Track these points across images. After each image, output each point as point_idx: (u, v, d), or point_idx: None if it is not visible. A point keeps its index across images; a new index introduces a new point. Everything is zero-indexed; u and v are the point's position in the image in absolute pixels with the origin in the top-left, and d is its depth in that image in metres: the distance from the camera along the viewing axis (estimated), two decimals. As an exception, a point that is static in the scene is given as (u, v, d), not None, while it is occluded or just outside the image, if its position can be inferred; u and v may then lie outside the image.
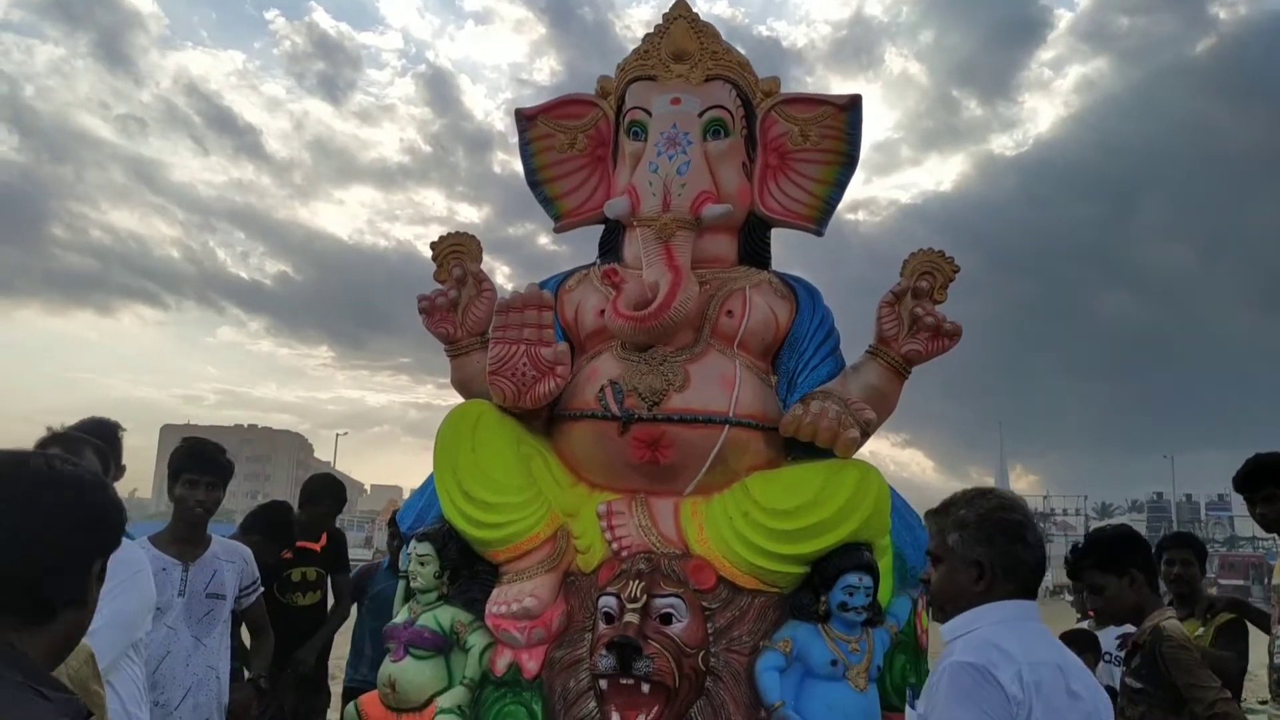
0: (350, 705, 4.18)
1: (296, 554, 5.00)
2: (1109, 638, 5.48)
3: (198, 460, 3.66)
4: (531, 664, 3.94)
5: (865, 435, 3.99)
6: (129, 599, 2.87)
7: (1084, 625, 5.93)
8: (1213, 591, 5.93)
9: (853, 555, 3.82)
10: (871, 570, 3.84)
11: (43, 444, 3.08)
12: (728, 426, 4.03)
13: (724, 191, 4.46)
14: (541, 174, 4.96)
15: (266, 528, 5.00)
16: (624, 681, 3.65)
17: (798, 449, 4.21)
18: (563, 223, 4.94)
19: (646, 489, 4.14)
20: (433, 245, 4.64)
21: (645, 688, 3.63)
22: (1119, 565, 3.62)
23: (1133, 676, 3.55)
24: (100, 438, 3.33)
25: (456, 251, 4.60)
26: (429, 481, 4.40)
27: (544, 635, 3.95)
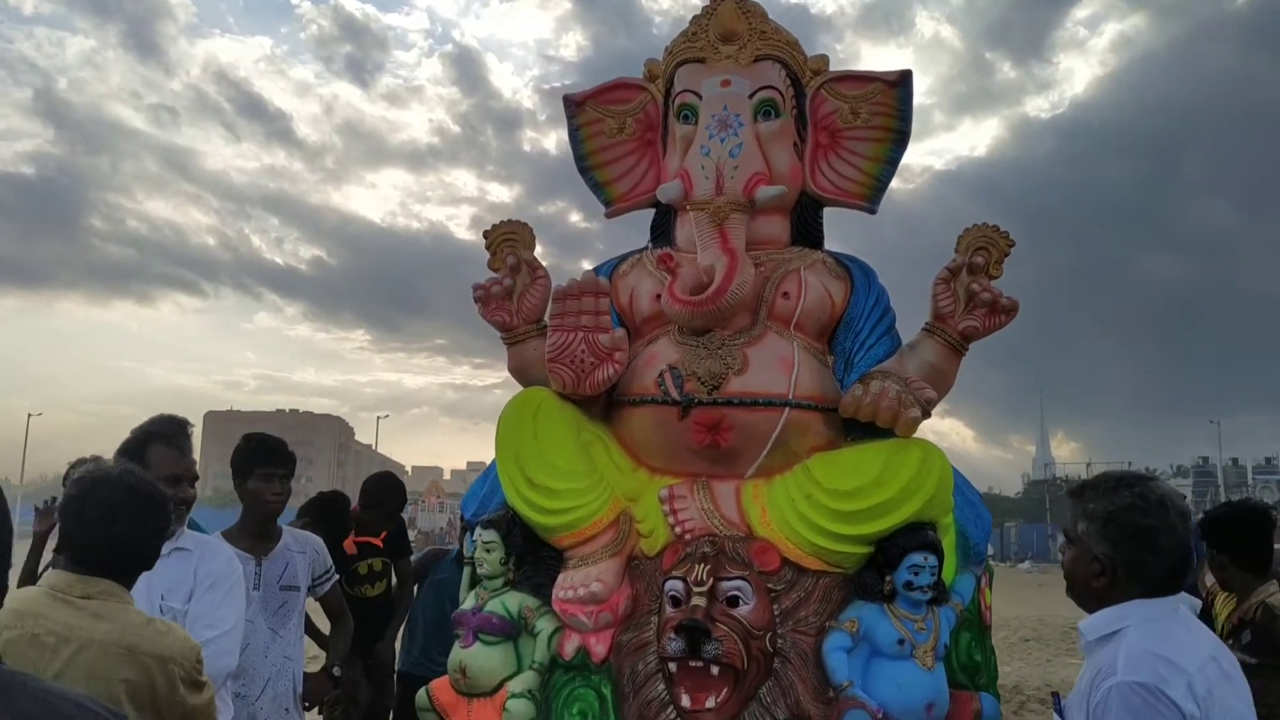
0: (421, 692, 4.25)
1: (360, 548, 5.09)
2: None
3: (271, 455, 3.73)
4: (599, 648, 3.98)
5: (926, 414, 3.98)
6: (241, 599, 2.96)
7: None
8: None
9: (917, 535, 3.82)
10: (936, 549, 3.84)
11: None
12: (787, 409, 4.04)
13: (776, 172, 4.45)
14: (591, 159, 4.96)
15: (323, 518, 5.09)
16: (693, 664, 3.69)
17: (857, 429, 4.21)
18: (614, 208, 4.95)
19: (707, 472, 4.16)
20: (486, 234, 4.67)
21: (714, 670, 3.67)
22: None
23: (1244, 651, 3.54)
24: (174, 433, 3.40)
25: (510, 239, 4.62)
26: (491, 468, 4.44)
27: (610, 619, 3.99)
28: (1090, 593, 2.26)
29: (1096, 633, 2.22)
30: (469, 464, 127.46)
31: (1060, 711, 2.24)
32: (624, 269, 4.68)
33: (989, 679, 4.12)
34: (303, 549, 3.86)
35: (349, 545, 5.06)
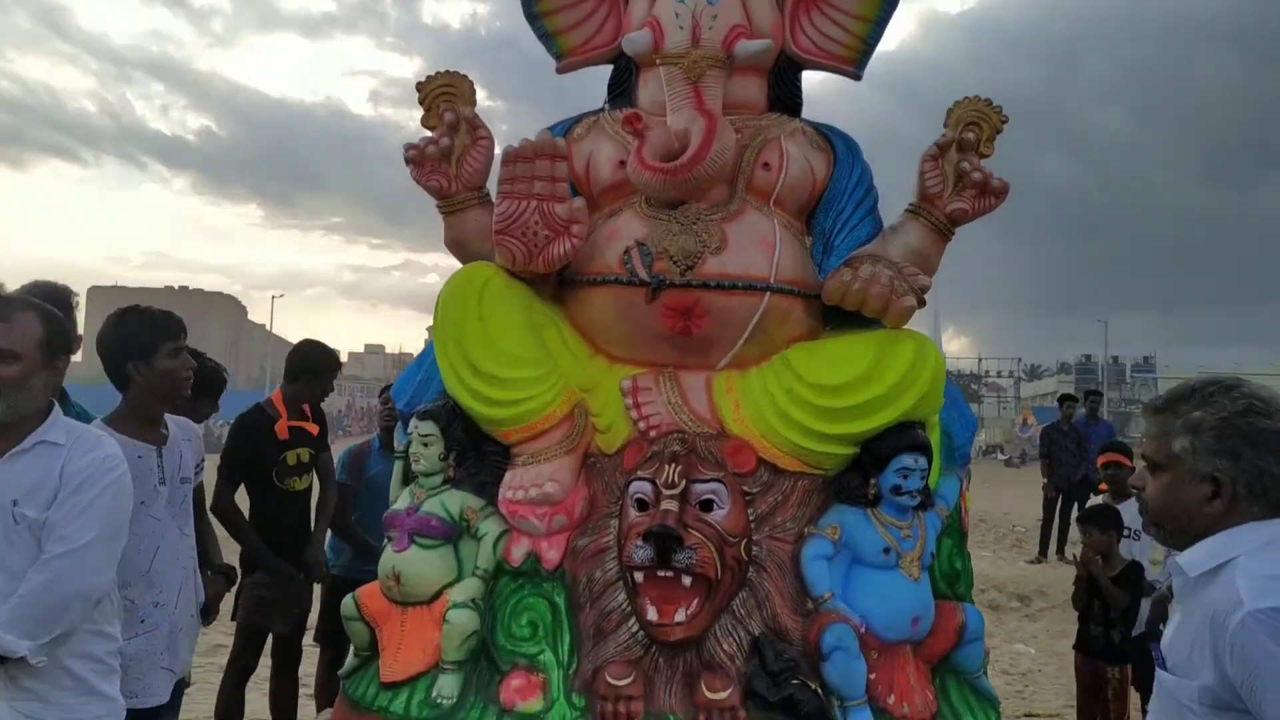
0: (347, 599, 3.81)
1: (293, 434, 4.53)
2: (1129, 513, 5.32)
3: (176, 327, 3.15)
4: (552, 553, 3.59)
5: (921, 303, 3.60)
6: (114, 506, 2.42)
7: (1100, 500, 5.76)
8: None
9: (907, 435, 3.49)
10: (927, 451, 3.52)
11: None
12: (769, 293, 3.62)
13: (757, 26, 3.94)
14: (541, 4, 4.35)
15: (312, 368, 4.58)
16: (661, 574, 3.32)
17: (837, 319, 3.83)
18: (566, 62, 4.36)
19: (675, 362, 3.73)
20: (419, 86, 4.06)
21: (685, 580, 3.30)
22: None
23: None
24: (53, 304, 2.82)
25: (447, 93, 4.03)
26: (426, 353, 3.95)
27: (565, 522, 3.59)
28: (1196, 521, 1.90)
29: (1202, 567, 1.87)
30: (367, 346, 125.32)
31: (1163, 665, 1.90)
32: (579, 132, 4.13)
33: (967, 587, 3.86)
34: (188, 436, 3.31)
35: (282, 429, 4.51)
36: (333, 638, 4.63)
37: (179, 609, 2.95)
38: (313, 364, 4.65)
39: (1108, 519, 5.07)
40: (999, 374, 71.86)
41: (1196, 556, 1.89)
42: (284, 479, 4.48)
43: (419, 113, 4.03)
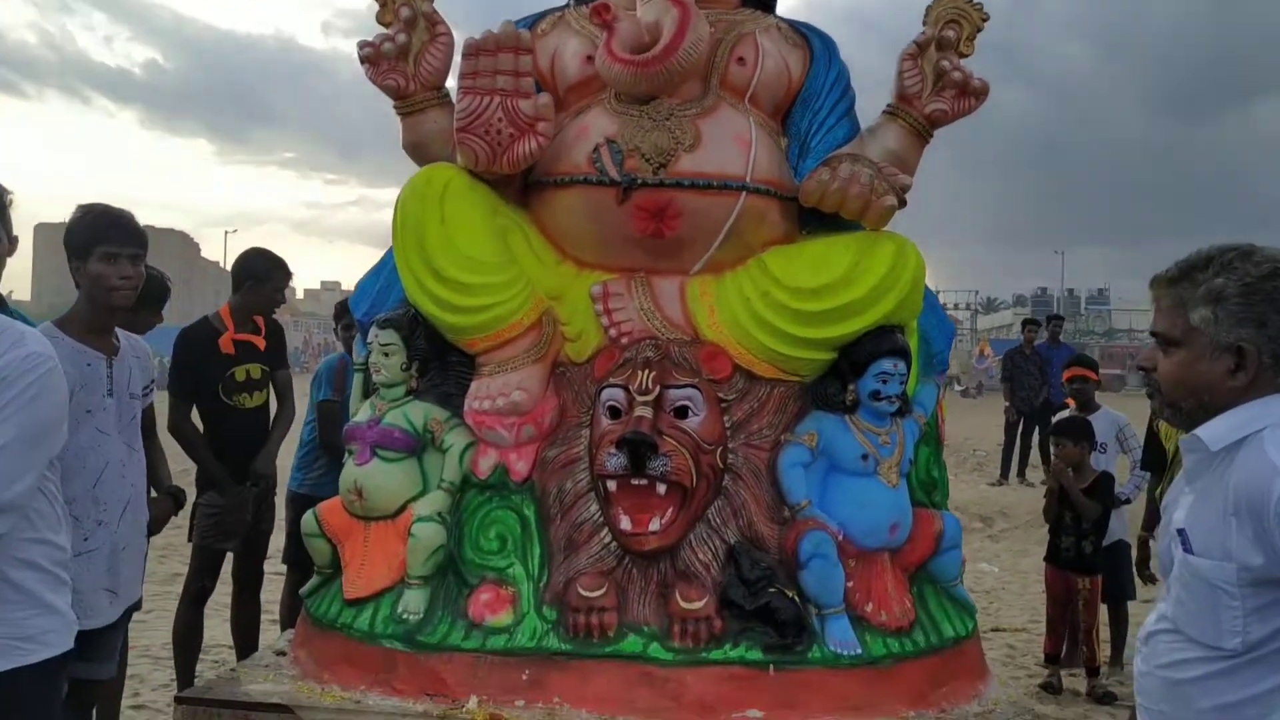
0: (308, 515, 3.67)
1: (239, 349, 4.33)
2: (1101, 426, 5.30)
3: (117, 227, 2.94)
4: (521, 465, 3.47)
5: (902, 203, 3.47)
6: (42, 406, 2.24)
7: (1069, 414, 5.74)
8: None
9: (887, 339, 3.38)
10: (906, 356, 3.42)
11: None
12: (744, 193, 3.47)
13: (730, -86, 3.74)
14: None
15: (255, 273, 4.35)
16: (635, 483, 3.21)
17: (813, 223, 3.70)
18: (529, -46, 4.13)
19: (647, 267, 3.59)
20: (373, -21, 3.83)
21: (660, 489, 3.20)
22: None
23: None
24: None
25: (403, -14, 3.80)
26: (386, 260, 3.77)
27: (534, 433, 3.46)
28: (1218, 397, 1.79)
29: (1225, 440, 1.77)
30: (323, 284, 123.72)
31: (1187, 547, 1.81)
32: (543, 27, 3.93)
33: (943, 496, 3.80)
34: (139, 354, 3.12)
35: (226, 343, 4.30)
36: (299, 559, 4.49)
37: (121, 529, 2.79)
38: (254, 268, 4.41)
39: (1079, 431, 5.04)
40: (955, 306, 72.50)
41: (1218, 430, 1.79)
42: (232, 395, 4.29)
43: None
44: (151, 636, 5.58)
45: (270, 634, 4.67)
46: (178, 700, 3.28)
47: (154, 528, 3.22)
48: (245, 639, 4.50)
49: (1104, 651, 5.23)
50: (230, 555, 4.49)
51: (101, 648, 2.80)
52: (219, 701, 3.24)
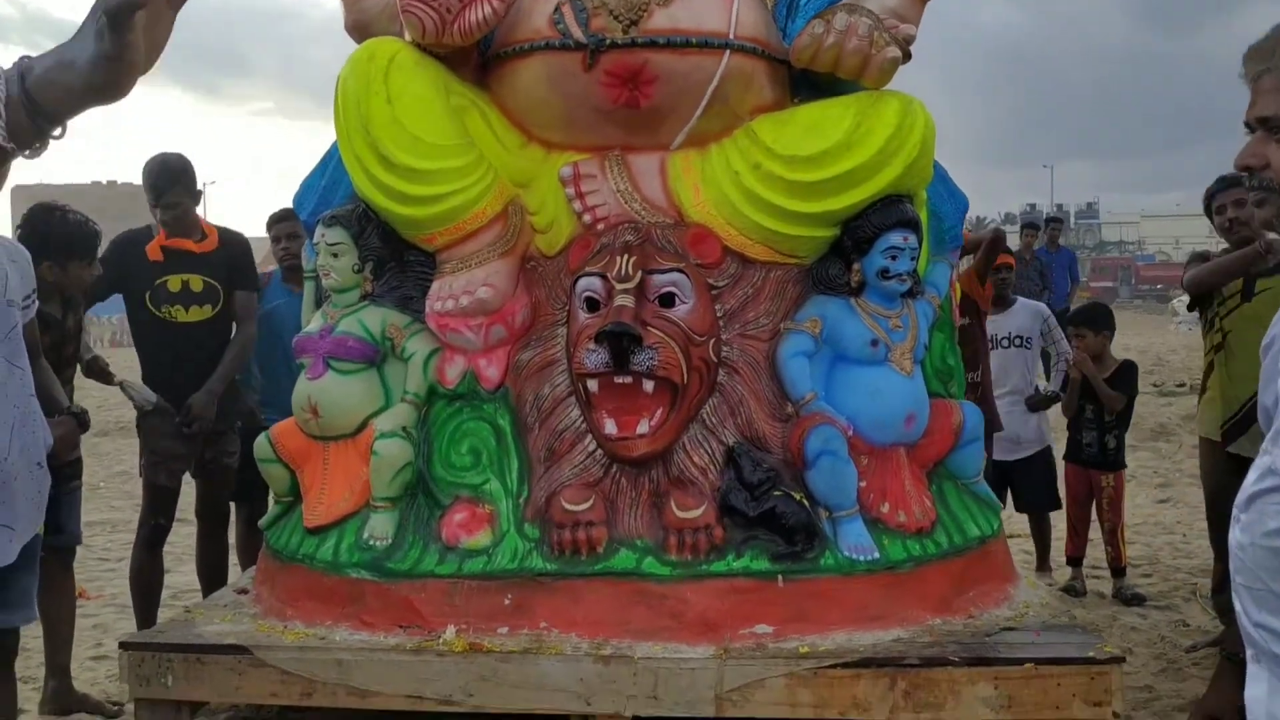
0: (260, 439, 3.33)
1: (170, 256, 3.92)
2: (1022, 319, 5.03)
3: None
4: (492, 371, 3.12)
5: (906, 56, 3.08)
6: None
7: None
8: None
9: (895, 210, 3.01)
10: (917, 228, 3.06)
11: None
12: (728, 52, 3.07)
13: None
14: None
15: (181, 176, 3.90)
16: (619, 380, 2.86)
17: (804, 90, 3.31)
18: None
19: (622, 143, 3.20)
20: None
21: (648, 386, 2.85)
22: None
23: None
24: None
25: None
26: (331, 153, 3.38)
27: (505, 334, 3.11)
28: None
29: None
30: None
31: None
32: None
33: (960, 387, 3.47)
34: (14, 258, 2.70)
35: (153, 250, 3.89)
36: (250, 491, 4.16)
37: (11, 456, 2.42)
38: (169, 176, 3.89)
39: (1101, 318, 4.71)
40: (946, 226, 71.99)
41: None
42: (161, 306, 3.88)
43: None
44: (119, 585, 5.27)
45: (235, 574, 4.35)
46: (123, 646, 2.96)
47: (61, 452, 2.86)
48: (213, 581, 4.18)
49: (1128, 550, 4.97)
50: (197, 490, 4.15)
51: (6, 591, 2.46)
52: (169, 645, 2.92)
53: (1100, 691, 2.61)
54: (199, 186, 4.04)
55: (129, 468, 9.30)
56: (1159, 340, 18.79)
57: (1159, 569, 5.19)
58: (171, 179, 3.88)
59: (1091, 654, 2.68)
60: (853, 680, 2.66)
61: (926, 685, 2.65)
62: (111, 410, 11.76)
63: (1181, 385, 11.38)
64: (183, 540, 5.67)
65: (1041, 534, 5.04)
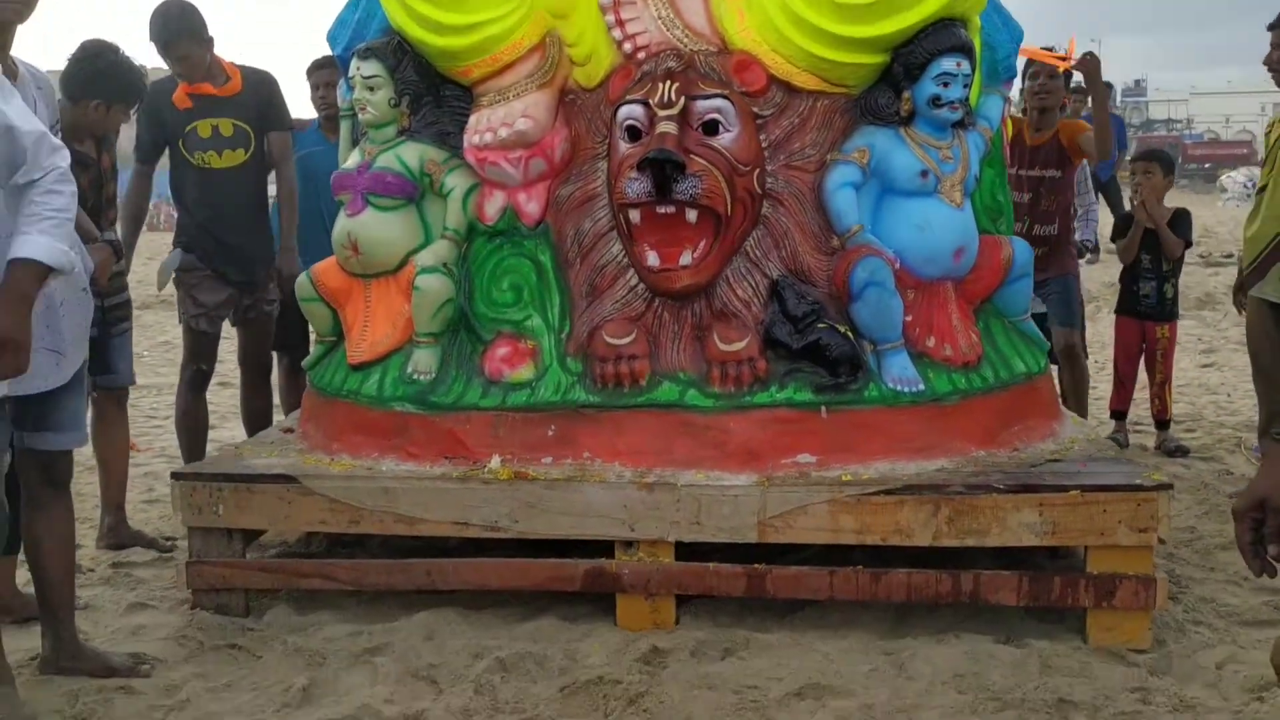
0: (302, 278, 3.33)
1: (197, 102, 3.84)
2: None
3: None
4: (532, 206, 3.08)
5: None
6: None
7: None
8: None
9: (947, 34, 2.90)
10: (970, 54, 2.94)
11: None
12: None
13: None
14: None
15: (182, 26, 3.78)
16: (661, 210, 2.81)
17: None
18: None
19: (663, -33, 3.08)
20: None
21: (691, 216, 2.80)
22: None
23: None
24: None
25: None
26: (363, -17, 3.28)
27: (545, 168, 3.06)
28: None
29: None
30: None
31: None
32: None
33: (1009, 226, 3.38)
34: (40, 84, 2.65)
35: (180, 98, 3.84)
36: (290, 341, 4.18)
37: (54, 282, 2.42)
38: (179, 25, 3.78)
39: (1169, 160, 4.57)
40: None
41: None
42: (194, 153, 3.84)
43: None
44: (168, 440, 5.38)
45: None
46: (174, 477, 3.03)
47: (99, 276, 2.87)
48: (258, 429, 4.23)
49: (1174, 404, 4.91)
50: (239, 339, 4.18)
51: (58, 414, 2.49)
52: (219, 475, 2.97)
53: (1146, 518, 2.61)
54: (208, 33, 3.91)
55: (172, 338, 9.44)
56: (1207, 214, 18.34)
57: (1203, 425, 5.15)
58: (173, 31, 3.77)
59: (1139, 481, 2.66)
60: (896, 506, 2.67)
61: (970, 511, 2.65)
62: (151, 286, 11.87)
63: (1229, 255, 11.14)
64: (226, 401, 5.80)
65: (1076, 385, 4.84)
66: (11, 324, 2.17)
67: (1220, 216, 17.21)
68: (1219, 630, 2.77)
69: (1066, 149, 4.32)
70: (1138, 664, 2.56)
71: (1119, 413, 4.79)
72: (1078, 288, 4.50)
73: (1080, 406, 4.30)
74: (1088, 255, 4.77)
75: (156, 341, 9.36)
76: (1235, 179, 26.72)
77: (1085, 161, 4.56)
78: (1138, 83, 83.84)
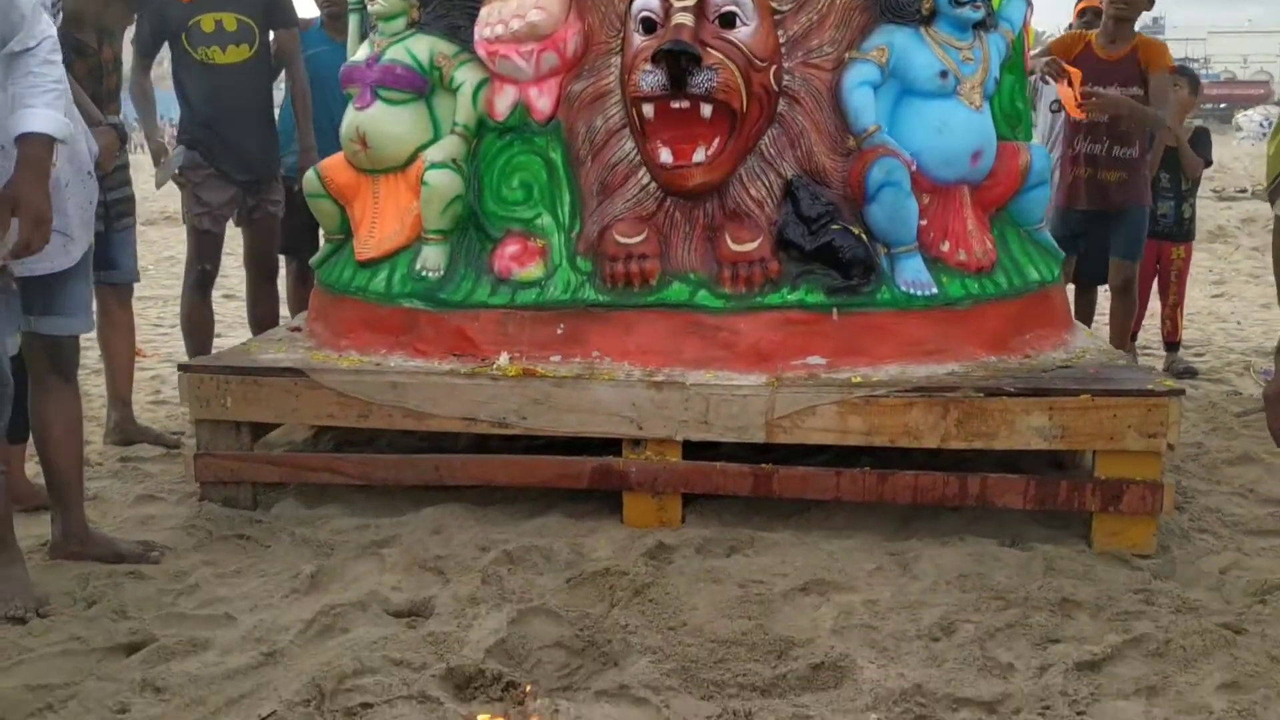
0: (310, 173, 3.29)
1: None
2: None
3: None
4: (543, 101, 3.03)
5: None
6: None
7: None
8: None
9: (972, -72, 2.82)
10: (995, -50, 2.86)
11: None
12: None
13: None
14: None
15: None
16: (676, 106, 2.76)
17: None
18: None
19: None
20: None
21: (706, 111, 2.75)
22: None
23: None
24: None
25: None
26: None
27: (556, 62, 3.00)
28: None
29: None
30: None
31: None
32: None
33: (1027, 134, 3.33)
34: None
35: None
36: (299, 243, 4.14)
37: (60, 163, 2.38)
38: None
39: (1196, 76, 4.49)
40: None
41: None
42: (198, 48, 3.76)
43: None
44: (174, 346, 5.38)
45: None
46: (181, 369, 3.02)
47: (105, 162, 2.83)
48: (264, 330, 4.22)
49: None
50: (244, 239, 4.14)
51: (65, 298, 2.48)
52: (227, 369, 2.97)
53: (1156, 424, 2.60)
54: None
55: (176, 253, 9.41)
56: (1223, 151, 18.11)
57: (1212, 349, 5.14)
58: None
59: (1151, 386, 2.65)
60: (905, 408, 2.66)
61: (980, 414, 2.64)
62: (156, 201, 11.81)
63: (1243, 190, 11.06)
64: (231, 312, 5.79)
65: (1125, 319, 4.34)
66: (41, 198, 2.18)
67: (1235, 153, 17.01)
68: (1223, 538, 2.78)
69: (1144, 68, 4.00)
70: (1142, 568, 2.57)
71: (1131, 333, 4.77)
72: (1147, 220, 4.23)
73: (1122, 341, 4.10)
74: None
75: (161, 256, 9.35)
76: (1251, 118, 26.41)
77: None
78: (1155, 20, 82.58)
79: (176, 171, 3.85)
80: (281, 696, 2.00)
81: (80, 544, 2.66)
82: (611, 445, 2.83)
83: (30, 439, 2.92)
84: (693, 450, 2.81)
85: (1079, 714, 1.96)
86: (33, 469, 3.19)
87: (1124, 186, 4.04)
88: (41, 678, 2.12)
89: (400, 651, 2.16)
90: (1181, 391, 2.66)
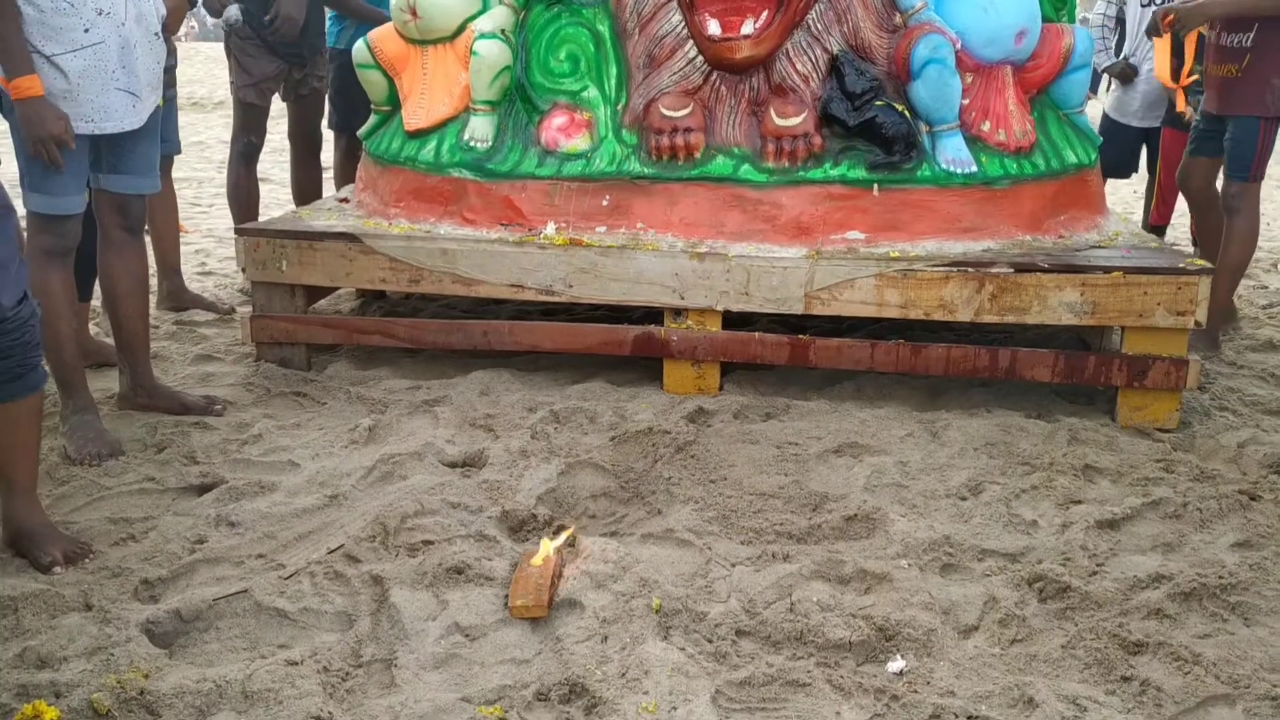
0: (359, 44, 3.32)
1: None
2: None
3: None
4: (592, -27, 3.04)
5: None
6: None
7: None
8: None
9: None
10: None
11: None
12: None
13: None
14: None
15: None
16: (725, -23, 2.78)
17: None
18: None
19: None
20: None
21: (754, -16, 2.77)
22: None
23: None
24: None
25: None
26: None
27: (606, -67, 3.01)
28: None
29: None
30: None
31: None
32: None
33: (1071, 15, 3.32)
34: None
35: None
36: (347, 122, 4.18)
37: (128, 22, 2.44)
38: None
39: None
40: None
41: None
42: None
43: None
44: (214, 222, 5.48)
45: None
46: (238, 232, 3.11)
47: (173, 25, 2.88)
48: (308, 203, 4.29)
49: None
50: (289, 113, 4.19)
51: (134, 158, 2.55)
52: (282, 232, 3.05)
53: (1186, 301, 2.67)
54: None
55: (205, 139, 9.45)
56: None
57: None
58: None
59: (1182, 265, 2.71)
60: (940, 282, 2.74)
61: (1013, 289, 2.72)
62: (184, 87, 11.78)
63: None
64: (265, 194, 5.84)
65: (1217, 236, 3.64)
66: None
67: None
68: (1243, 415, 2.87)
69: None
70: (1163, 440, 2.67)
71: (1158, 227, 4.79)
72: (1263, 133, 3.33)
73: (1211, 255, 3.45)
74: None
75: (190, 142, 9.37)
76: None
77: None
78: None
79: (227, 35, 3.89)
80: (349, 533, 2.14)
81: (148, 395, 2.79)
82: (653, 316, 2.93)
83: (94, 300, 3.03)
84: (730, 325, 2.90)
85: (1098, 566, 2.08)
86: (94, 329, 3.32)
87: (1232, 88, 3.32)
88: (122, 512, 2.27)
89: (457, 496, 2.29)
90: (1212, 270, 2.72)
